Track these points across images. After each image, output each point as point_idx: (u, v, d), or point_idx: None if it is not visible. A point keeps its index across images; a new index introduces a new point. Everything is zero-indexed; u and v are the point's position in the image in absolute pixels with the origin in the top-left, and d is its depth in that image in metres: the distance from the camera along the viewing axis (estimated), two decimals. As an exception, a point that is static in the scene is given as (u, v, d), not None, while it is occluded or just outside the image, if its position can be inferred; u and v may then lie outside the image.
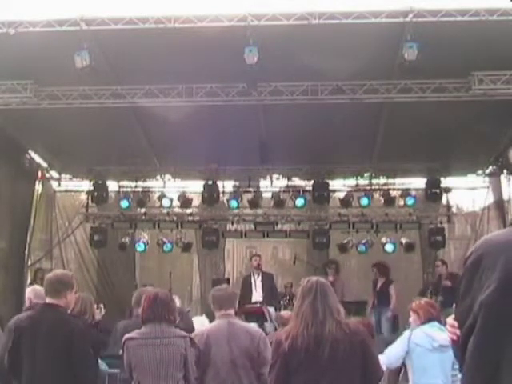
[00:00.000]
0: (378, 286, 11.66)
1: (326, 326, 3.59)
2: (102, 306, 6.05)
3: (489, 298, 1.80)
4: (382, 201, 13.55)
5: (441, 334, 5.10)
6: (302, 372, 3.58)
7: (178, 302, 5.93)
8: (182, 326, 5.04)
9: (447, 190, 13.51)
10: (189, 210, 14.17)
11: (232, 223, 14.17)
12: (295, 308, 3.81)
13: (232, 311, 4.86)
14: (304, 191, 13.57)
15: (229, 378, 4.54)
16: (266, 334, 6.07)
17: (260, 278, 10.92)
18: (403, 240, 13.58)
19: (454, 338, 1.99)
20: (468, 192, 14.17)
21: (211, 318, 5.71)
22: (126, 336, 4.74)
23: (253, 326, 5.27)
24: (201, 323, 6.74)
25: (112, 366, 5.96)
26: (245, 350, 4.58)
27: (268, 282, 11.01)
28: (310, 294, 3.71)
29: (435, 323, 5.35)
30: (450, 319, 2.06)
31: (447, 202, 13.82)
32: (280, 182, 14.00)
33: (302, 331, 3.59)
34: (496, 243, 1.92)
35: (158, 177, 14.09)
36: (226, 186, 13.98)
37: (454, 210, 14.15)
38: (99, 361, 5.62)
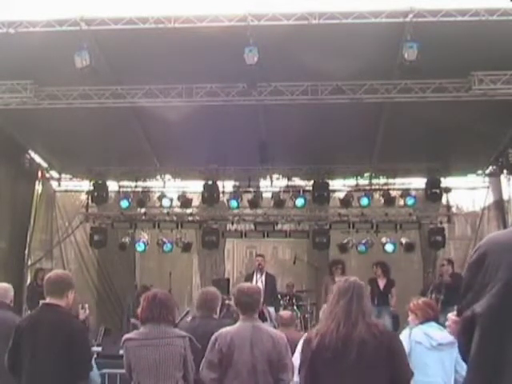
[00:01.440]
0: (381, 286, 11.58)
1: (356, 328, 3.58)
2: (86, 305, 6.02)
3: (492, 299, 1.80)
4: (382, 201, 13.54)
5: (439, 333, 5.12)
6: (329, 372, 3.57)
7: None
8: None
9: (447, 190, 13.50)
10: (189, 210, 14.16)
11: (232, 223, 14.17)
12: (329, 306, 3.78)
13: (256, 314, 4.81)
14: (304, 191, 13.56)
15: (248, 382, 4.52)
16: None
17: (262, 278, 10.93)
18: (403, 240, 13.57)
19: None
20: (468, 192, 14.15)
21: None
22: (126, 336, 4.74)
23: (276, 331, 5.20)
24: None
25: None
26: (267, 354, 4.54)
27: (270, 282, 11.02)
28: (347, 295, 3.70)
29: (433, 323, 5.35)
30: (452, 316, 2.06)
31: (447, 202, 13.80)
32: (280, 182, 14.00)
33: (332, 331, 3.59)
34: (500, 242, 1.92)
35: (158, 177, 14.09)
36: (226, 185, 13.97)
37: (454, 209, 14.13)
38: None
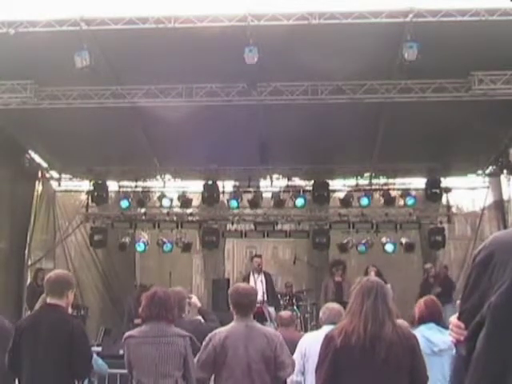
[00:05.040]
0: None
1: (384, 327, 3.57)
2: None
3: (500, 298, 1.78)
4: (382, 201, 13.56)
5: (440, 336, 4.87)
6: (355, 371, 3.54)
7: (198, 302, 5.89)
8: (205, 327, 5.03)
9: (447, 189, 13.51)
10: (189, 210, 14.16)
11: (232, 223, 14.18)
12: (353, 305, 3.72)
13: (251, 315, 4.81)
14: (304, 191, 13.58)
15: (243, 381, 4.52)
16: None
17: (260, 278, 10.92)
18: (403, 240, 13.58)
19: (461, 338, 1.96)
20: (468, 192, 14.15)
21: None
22: (127, 334, 4.74)
23: (271, 329, 5.18)
24: None
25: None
26: (261, 353, 4.53)
27: (269, 281, 11.02)
28: (372, 294, 3.68)
29: (432, 325, 5.12)
30: (455, 320, 2.03)
31: (447, 201, 13.82)
32: (280, 182, 14.01)
33: (359, 329, 3.55)
34: (507, 242, 1.90)
35: (158, 177, 14.09)
36: (226, 185, 13.99)
37: (454, 209, 14.14)
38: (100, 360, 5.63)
